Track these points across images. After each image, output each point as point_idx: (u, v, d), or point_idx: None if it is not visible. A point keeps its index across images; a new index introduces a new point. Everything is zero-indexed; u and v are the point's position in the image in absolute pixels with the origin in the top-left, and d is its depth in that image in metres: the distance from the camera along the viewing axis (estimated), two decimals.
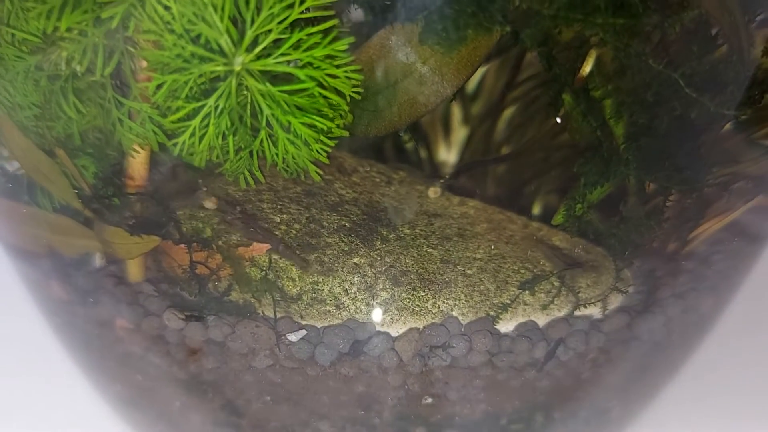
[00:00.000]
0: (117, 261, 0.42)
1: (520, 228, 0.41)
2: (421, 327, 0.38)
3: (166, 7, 0.32)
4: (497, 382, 0.40)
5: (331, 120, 0.34)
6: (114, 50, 0.35)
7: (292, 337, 0.38)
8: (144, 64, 0.35)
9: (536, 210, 0.42)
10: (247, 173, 0.40)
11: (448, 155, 0.47)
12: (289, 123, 0.33)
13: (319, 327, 0.39)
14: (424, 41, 0.34)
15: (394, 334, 0.38)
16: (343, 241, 0.39)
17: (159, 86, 0.34)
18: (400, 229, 0.40)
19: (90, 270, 0.42)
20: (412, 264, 0.39)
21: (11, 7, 0.36)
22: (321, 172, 0.38)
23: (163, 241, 0.39)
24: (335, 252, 0.39)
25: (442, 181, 0.43)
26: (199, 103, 0.33)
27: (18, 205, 0.43)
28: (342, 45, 0.31)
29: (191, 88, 0.33)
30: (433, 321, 0.38)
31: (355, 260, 0.39)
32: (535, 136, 0.41)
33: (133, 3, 0.33)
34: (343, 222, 0.40)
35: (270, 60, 0.31)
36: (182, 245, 0.38)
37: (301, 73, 0.31)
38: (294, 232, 0.40)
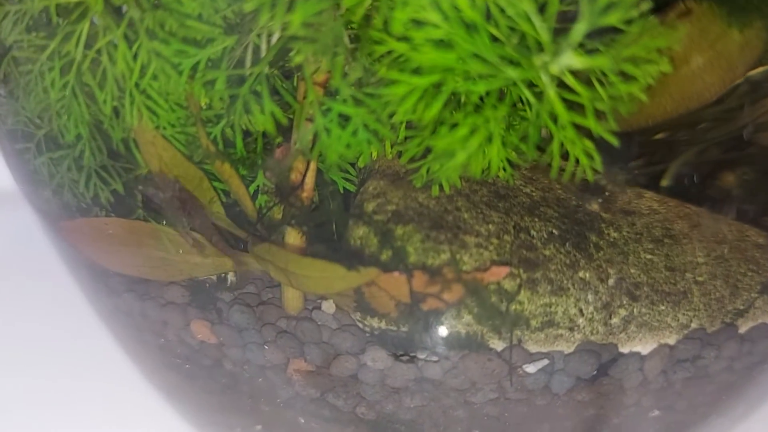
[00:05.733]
0: (273, 286, 0.35)
1: (727, 226, 0.37)
2: (673, 342, 0.34)
3: None
4: (727, 384, 0.37)
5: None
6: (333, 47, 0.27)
7: (530, 369, 0.33)
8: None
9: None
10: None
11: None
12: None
13: (547, 352, 0.33)
14: (728, 19, 0.28)
15: (643, 353, 0.34)
16: (560, 253, 0.34)
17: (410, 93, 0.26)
18: (606, 232, 0.35)
19: (248, 302, 0.34)
20: (639, 274, 0.34)
21: None
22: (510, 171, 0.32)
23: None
24: (557, 266, 0.34)
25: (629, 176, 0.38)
26: (478, 117, 0.26)
27: (139, 225, 0.35)
28: (680, 32, 0.25)
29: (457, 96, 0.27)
30: (677, 335, 0.34)
31: (581, 274, 0.34)
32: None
33: None
34: (550, 228, 0.35)
35: (600, 58, 0.25)
36: (397, 273, 0.32)
37: (638, 72, 0.25)
38: (508, 245, 0.34)
